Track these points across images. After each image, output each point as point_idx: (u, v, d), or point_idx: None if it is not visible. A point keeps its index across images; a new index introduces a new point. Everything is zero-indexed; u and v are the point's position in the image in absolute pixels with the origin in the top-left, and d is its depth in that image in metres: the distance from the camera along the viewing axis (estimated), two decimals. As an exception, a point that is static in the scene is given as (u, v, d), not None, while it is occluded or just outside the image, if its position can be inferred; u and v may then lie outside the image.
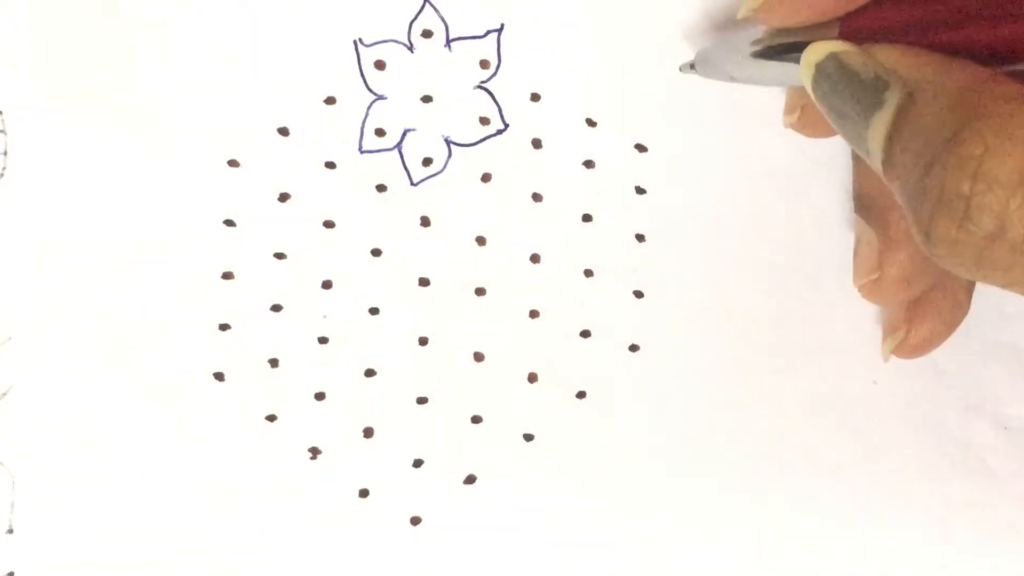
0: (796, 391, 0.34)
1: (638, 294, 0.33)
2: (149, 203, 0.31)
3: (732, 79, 0.30)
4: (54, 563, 0.32)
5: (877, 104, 0.24)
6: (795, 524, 0.33)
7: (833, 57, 0.26)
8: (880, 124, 0.24)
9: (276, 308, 0.32)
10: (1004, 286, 0.23)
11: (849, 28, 0.26)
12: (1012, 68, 0.25)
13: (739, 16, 0.28)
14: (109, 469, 0.32)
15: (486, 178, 0.33)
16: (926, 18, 0.25)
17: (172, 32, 0.31)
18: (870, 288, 0.31)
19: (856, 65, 0.25)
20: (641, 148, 0.33)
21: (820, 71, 0.26)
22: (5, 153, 0.31)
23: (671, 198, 0.33)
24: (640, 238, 0.33)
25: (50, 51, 0.31)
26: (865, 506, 0.34)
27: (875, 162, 0.24)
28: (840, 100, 0.26)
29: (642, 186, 0.33)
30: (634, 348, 0.33)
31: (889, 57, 0.25)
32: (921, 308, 0.32)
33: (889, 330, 0.32)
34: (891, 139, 0.24)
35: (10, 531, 0.31)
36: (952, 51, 0.24)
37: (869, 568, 0.34)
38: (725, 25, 0.32)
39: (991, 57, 0.24)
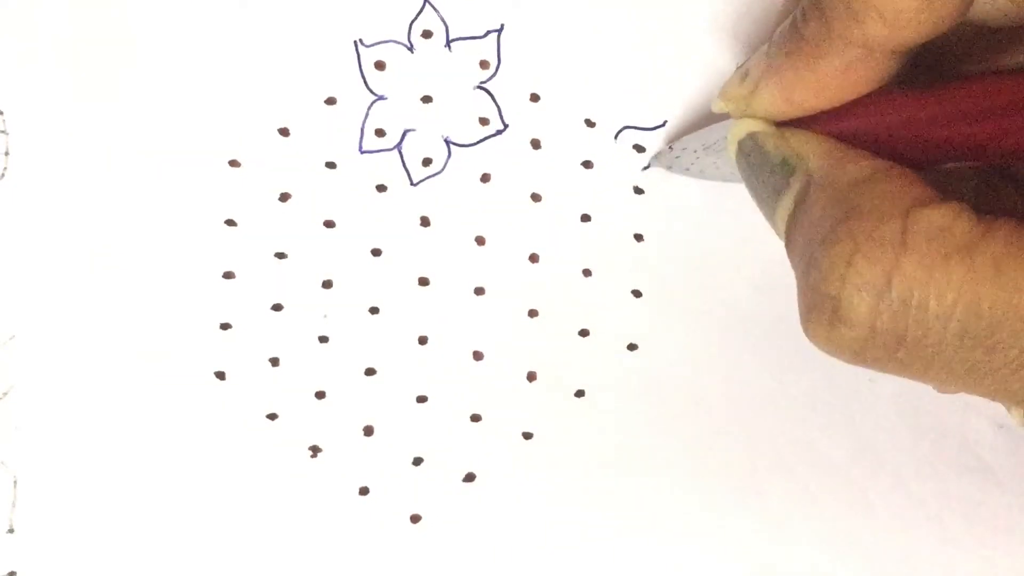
0: (795, 391, 0.34)
1: (636, 294, 0.33)
2: (149, 203, 0.32)
3: (688, 173, 0.32)
4: (55, 563, 0.32)
5: (783, 188, 0.25)
6: (794, 523, 0.33)
7: (751, 137, 0.26)
8: (783, 210, 0.25)
9: (277, 307, 0.32)
10: (889, 374, 0.23)
11: (831, 126, 0.26)
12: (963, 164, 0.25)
13: (714, 109, 0.29)
14: (109, 469, 0.32)
15: (486, 178, 0.33)
16: (912, 116, 0.25)
17: (172, 32, 0.31)
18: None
19: (769, 147, 0.26)
20: (640, 149, 0.33)
21: (740, 149, 0.27)
22: (7, 153, 0.31)
23: (669, 198, 0.33)
24: (639, 238, 0.33)
25: (50, 51, 0.31)
26: (864, 505, 0.34)
27: (784, 244, 0.25)
28: (756, 178, 0.26)
29: (640, 186, 0.33)
30: (632, 347, 0.33)
31: (801, 142, 0.25)
32: None
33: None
34: (790, 226, 0.24)
35: (11, 531, 0.32)
36: (933, 149, 0.24)
37: (869, 567, 0.34)
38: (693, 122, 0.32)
39: (969, 155, 0.24)
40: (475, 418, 0.33)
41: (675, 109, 0.33)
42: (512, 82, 0.32)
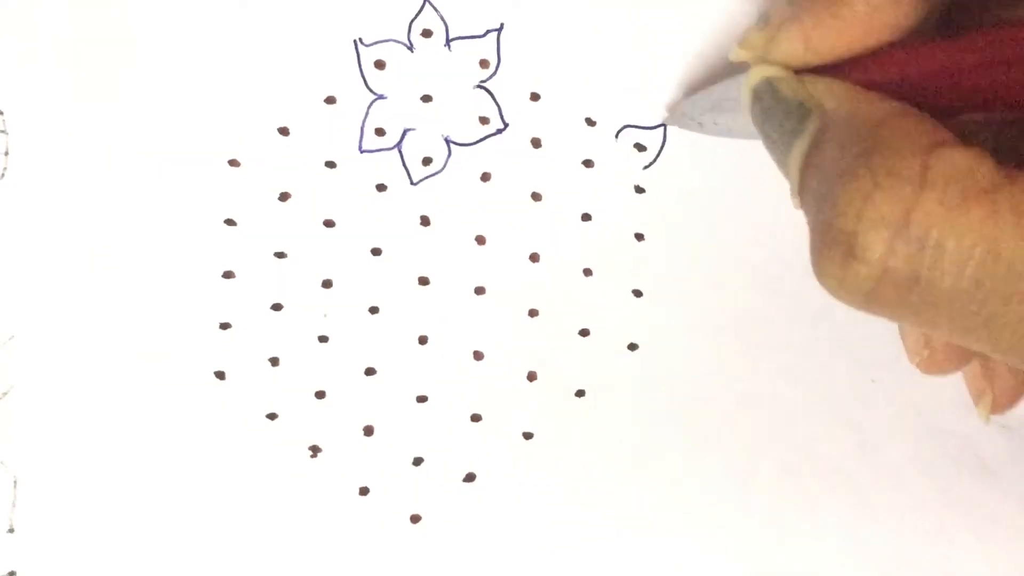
0: (795, 391, 0.34)
1: (637, 293, 0.33)
2: (149, 203, 0.32)
3: (702, 128, 0.31)
4: (55, 562, 0.32)
5: (798, 132, 0.24)
6: (794, 523, 0.33)
7: (767, 82, 0.26)
8: (797, 152, 0.24)
9: (276, 307, 0.32)
10: (898, 322, 0.22)
11: (849, 76, 0.26)
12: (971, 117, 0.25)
13: (731, 58, 0.28)
14: (110, 468, 0.32)
15: (486, 177, 0.33)
16: (936, 66, 0.24)
17: (172, 32, 0.31)
18: (927, 364, 0.30)
19: (785, 91, 0.25)
20: (640, 148, 0.33)
21: (755, 95, 0.26)
22: (6, 153, 0.31)
23: (670, 198, 0.33)
24: (639, 237, 0.33)
25: (50, 51, 0.31)
26: (865, 505, 0.34)
27: (792, 190, 0.24)
28: (769, 125, 0.26)
29: (641, 186, 0.33)
30: (633, 347, 0.33)
31: (819, 87, 0.25)
32: (993, 363, 0.30)
33: (976, 396, 0.31)
34: (804, 168, 0.23)
35: (11, 530, 0.32)
36: (952, 98, 0.24)
37: (869, 567, 0.34)
38: (704, 76, 0.32)
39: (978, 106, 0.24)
40: (475, 418, 0.33)
41: (688, 63, 0.32)
42: (512, 81, 0.32)
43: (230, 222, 0.32)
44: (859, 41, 0.25)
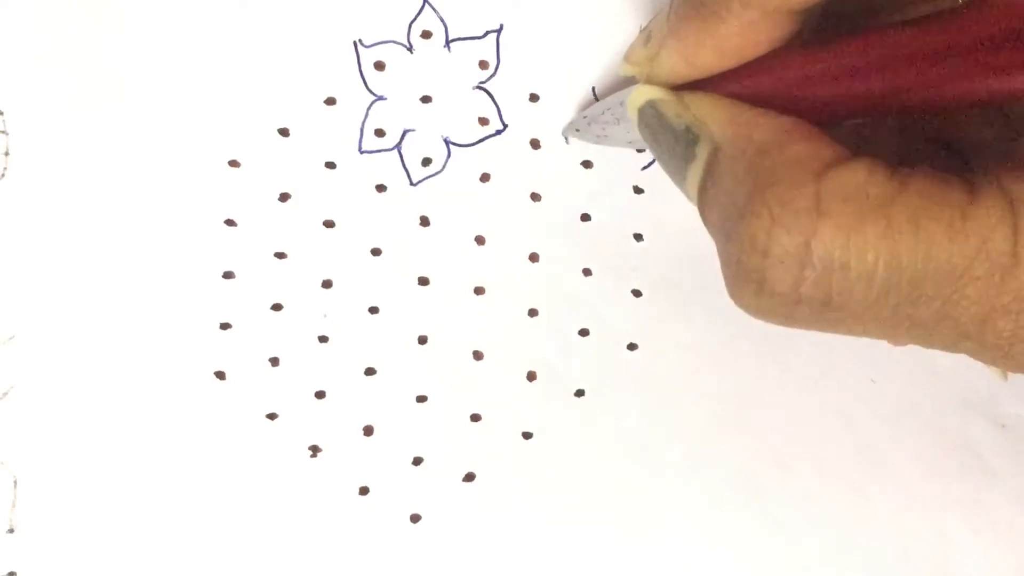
0: (795, 390, 0.34)
1: (636, 293, 0.33)
2: (149, 203, 0.32)
3: (600, 141, 0.31)
4: (55, 562, 0.32)
5: (689, 157, 0.24)
6: (794, 522, 0.33)
7: (651, 104, 0.26)
8: (692, 178, 0.24)
9: (276, 307, 0.32)
10: (823, 332, 0.23)
11: (731, 86, 0.26)
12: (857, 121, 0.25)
13: (620, 73, 0.28)
14: (110, 469, 0.32)
15: (485, 178, 0.33)
16: (810, 72, 0.24)
17: (173, 32, 0.31)
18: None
19: (670, 115, 0.25)
20: (640, 149, 0.33)
21: (642, 117, 0.27)
22: (7, 153, 0.31)
23: (669, 198, 0.33)
24: (638, 237, 0.33)
25: (50, 51, 0.31)
26: (864, 505, 0.34)
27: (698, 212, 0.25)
28: (659, 147, 0.26)
29: (640, 186, 0.33)
30: (632, 347, 0.33)
31: (702, 108, 0.25)
32: None
33: None
34: (701, 198, 0.24)
35: (11, 531, 0.32)
36: (838, 105, 0.24)
37: (869, 566, 0.34)
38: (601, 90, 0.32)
39: (873, 110, 0.24)
40: (475, 418, 0.33)
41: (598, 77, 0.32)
42: (511, 82, 0.32)
43: (230, 222, 0.32)
44: (737, 56, 0.25)
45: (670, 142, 0.25)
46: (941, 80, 0.23)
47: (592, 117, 0.31)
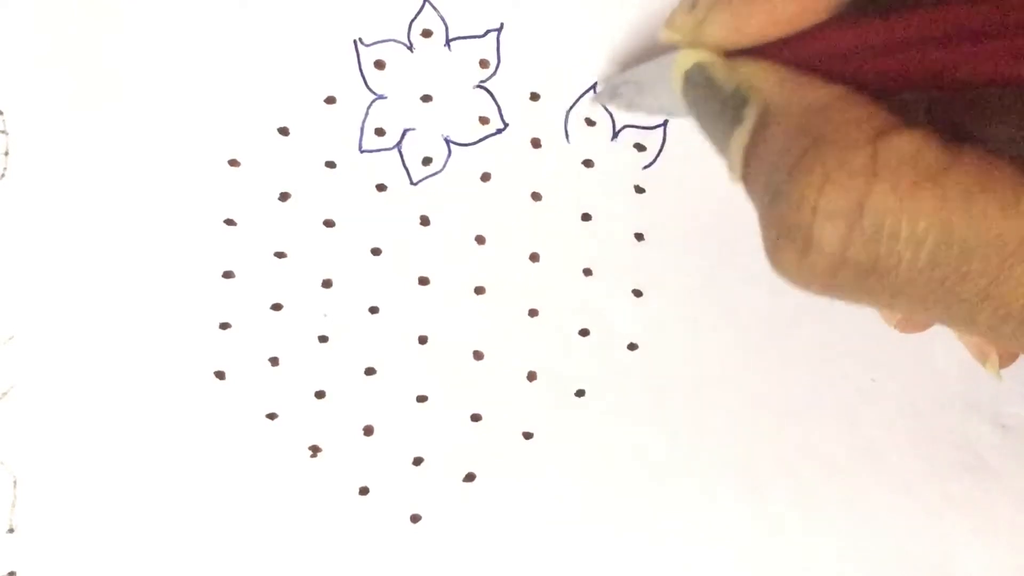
0: (795, 390, 0.34)
1: (637, 293, 0.33)
2: (149, 203, 0.32)
3: (631, 107, 0.31)
4: (55, 562, 0.32)
5: (737, 119, 0.24)
6: (794, 522, 0.33)
7: (699, 67, 0.26)
8: (738, 140, 0.24)
9: (276, 307, 0.32)
10: (857, 303, 0.23)
11: (782, 55, 0.25)
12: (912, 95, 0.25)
13: (660, 39, 0.28)
14: (109, 468, 0.32)
15: (485, 177, 0.33)
16: (866, 44, 0.24)
17: (173, 32, 0.31)
18: (903, 325, 0.30)
19: (719, 78, 0.25)
20: (640, 147, 0.33)
21: (688, 80, 0.26)
22: (7, 153, 0.31)
23: (670, 198, 0.33)
24: (639, 237, 0.33)
25: (50, 51, 0.31)
26: (864, 504, 0.34)
27: (735, 176, 0.24)
28: (704, 111, 0.26)
29: (641, 185, 0.33)
30: (633, 347, 0.33)
31: (752, 72, 0.25)
32: None
33: (981, 358, 0.31)
34: (748, 156, 0.24)
35: (11, 530, 0.32)
36: (888, 78, 0.24)
37: (868, 566, 0.34)
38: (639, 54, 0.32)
39: (927, 84, 0.24)
40: (475, 418, 0.33)
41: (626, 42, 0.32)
42: (512, 81, 0.32)
43: (230, 222, 0.32)
44: (791, 22, 0.25)
45: (716, 105, 0.25)
46: (994, 57, 0.22)
47: (626, 81, 0.31)
